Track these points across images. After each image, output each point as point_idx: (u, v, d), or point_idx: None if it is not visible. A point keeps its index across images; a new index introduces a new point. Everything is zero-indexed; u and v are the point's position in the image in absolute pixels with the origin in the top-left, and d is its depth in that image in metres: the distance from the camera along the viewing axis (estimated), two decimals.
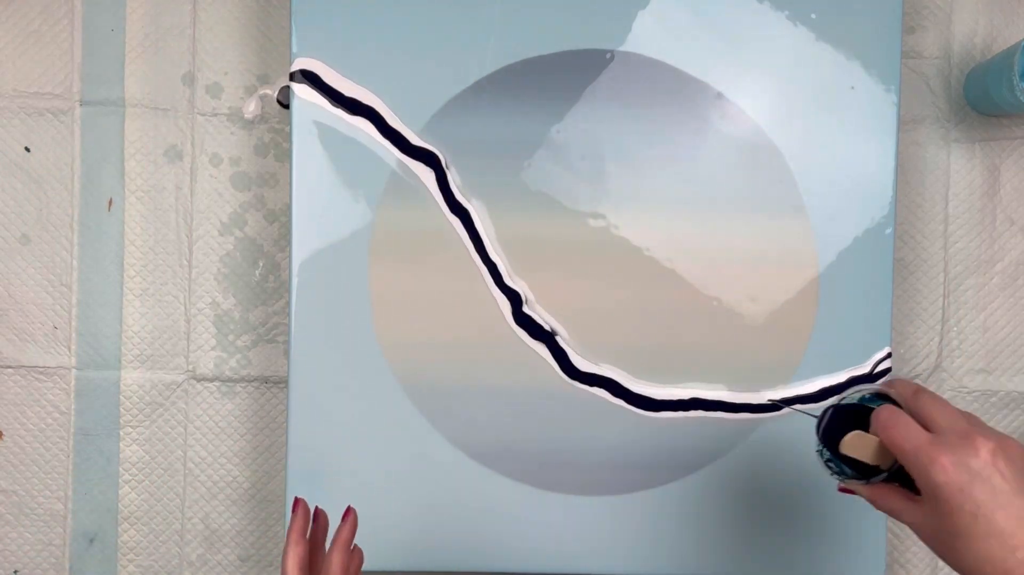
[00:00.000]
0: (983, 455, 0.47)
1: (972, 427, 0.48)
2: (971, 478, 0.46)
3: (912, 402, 0.50)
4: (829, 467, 0.52)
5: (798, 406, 0.64)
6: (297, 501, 0.57)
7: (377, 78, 0.66)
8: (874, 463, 0.51)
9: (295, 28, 0.66)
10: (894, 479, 0.51)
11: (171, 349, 0.72)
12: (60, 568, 0.72)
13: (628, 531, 0.67)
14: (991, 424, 0.72)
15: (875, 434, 0.49)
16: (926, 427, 0.48)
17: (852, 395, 0.53)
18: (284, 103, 0.72)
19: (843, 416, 0.51)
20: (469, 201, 0.66)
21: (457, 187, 0.66)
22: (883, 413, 0.49)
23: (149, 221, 0.72)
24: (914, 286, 0.72)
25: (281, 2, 0.72)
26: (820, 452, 0.52)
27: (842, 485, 0.53)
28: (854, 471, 0.51)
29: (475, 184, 0.66)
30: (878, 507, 0.51)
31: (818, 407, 0.59)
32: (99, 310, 0.72)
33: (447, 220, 0.66)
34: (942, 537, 0.48)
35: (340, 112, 0.66)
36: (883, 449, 0.50)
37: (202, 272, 0.72)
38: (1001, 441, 0.47)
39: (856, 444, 0.51)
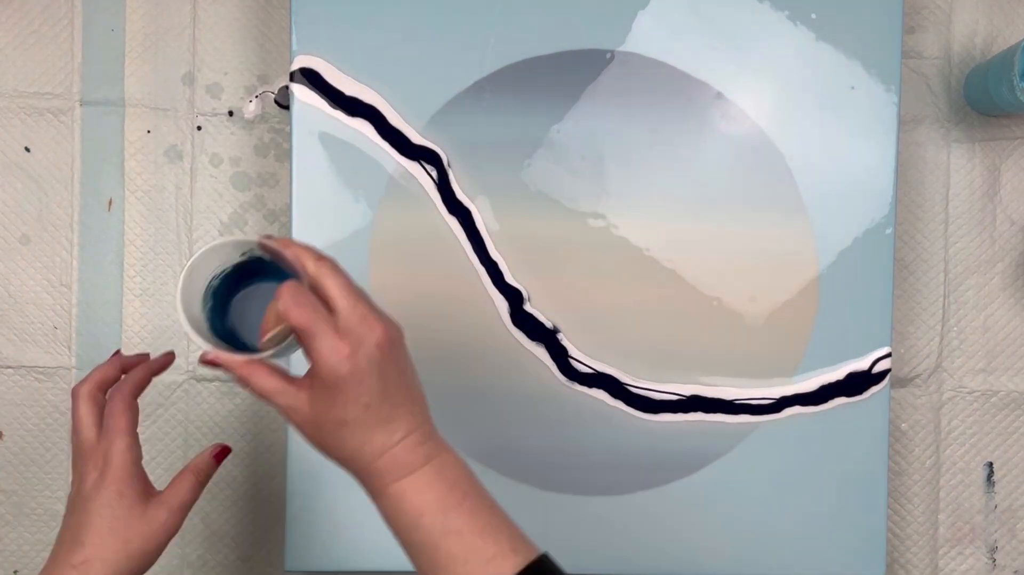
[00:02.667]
0: (383, 346, 0.45)
1: (371, 312, 0.45)
2: (369, 369, 0.44)
3: (314, 274, 0.46)
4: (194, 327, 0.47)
5: None
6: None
7: (377, 78, 0.66)
8: (273, 334, 0.47)
9: (295, 26, 0.66)
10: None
11: (171, 349, 0.72)
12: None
13: (628, 531, 0.67)
14: (992, 427, 0.73)
15: (278, 308, 0.44)
16: (326, 305, 0.45)
17: (241, 248, 0.48)
18: (282, 104, 0.71)
19: (235, 274, 0.47)
20: (469, 201, 0.66)
21: (457, 187, 0.66)
22: (286, 289, 0.44)
23: (149, 221, 0.72)
24: (914, 286, 0.72)
25: (281, 2, 0.72)
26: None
27: (209, 356, 0.46)
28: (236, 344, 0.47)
29: (475, 184, 0.66)
30: (247, 386, 0.46)
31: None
32: (99, 310, 0.72)
33: (447, 220, 0.66)
34: (327, 425, 0.46)
35: (339, 114, 0.66)
36: (276, 320, 0.46)
37: None
38: (394, 329, 0.46)
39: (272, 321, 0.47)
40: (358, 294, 0.46)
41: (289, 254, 0.46)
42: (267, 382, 0.46)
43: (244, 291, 0.50)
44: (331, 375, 0.44)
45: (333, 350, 0.44)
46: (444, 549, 0.46)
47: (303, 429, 0.47)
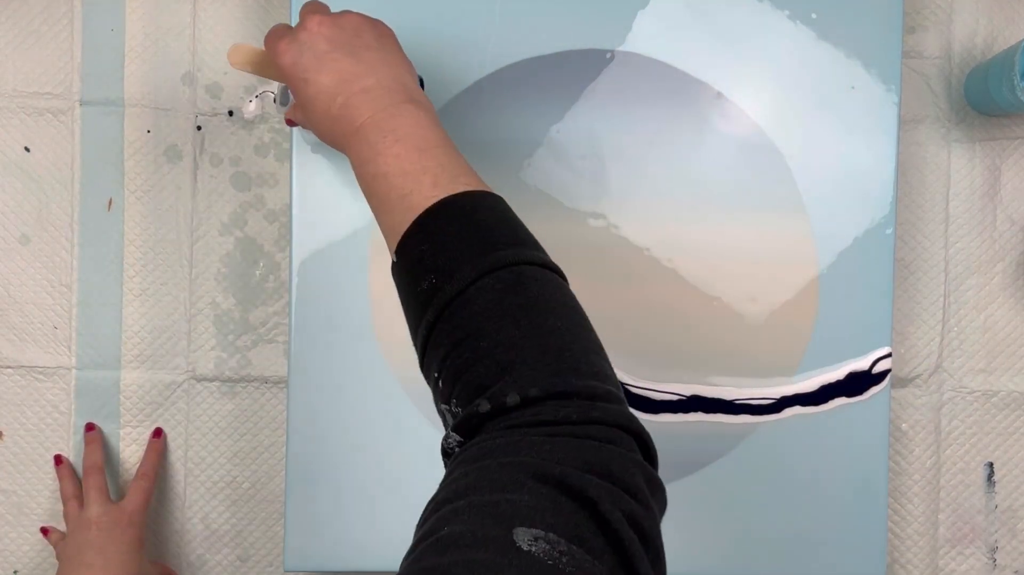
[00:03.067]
0: (310, 27, 0.51)
1: (315, 9, 0.53)
2: (300, 50, 0.51)
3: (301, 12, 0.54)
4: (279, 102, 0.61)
5: None
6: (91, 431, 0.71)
7: None
8: (272, 77, 0.58)
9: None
10: None
11: (171, 349, 0.72)
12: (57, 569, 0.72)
13: None
14: (992, 427, 0.73)
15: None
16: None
17: None
18: (281, 104, 0.71)
19: None
20: None
21: None
22: (270, 33, 0.54)
23: (149, 221, 0.72)
24: (914, 286, 0.72)
25: (281, 2, 0.71)
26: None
27: (288, 115, 0.59)
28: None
29: None
30: (296, 122, 0.59)
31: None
32: (99, 310, 0.71)
33: None
34: (303, 114, 0.53)
35: None
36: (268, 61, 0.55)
37: (202, 272, 0.72)
38: (336, 15, 0.52)
39: (239, 53, 0.57)
40: (325, 14, 0.53)
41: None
42: (296, 113, 0.57)
43: None
44: (281, 74, 0.53)
45: (274, 50, 0.52)
46: (374, 193, 0.49)
47: (313, 131, 0.54)
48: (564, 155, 0.67)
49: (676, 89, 0.67)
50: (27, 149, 0.71)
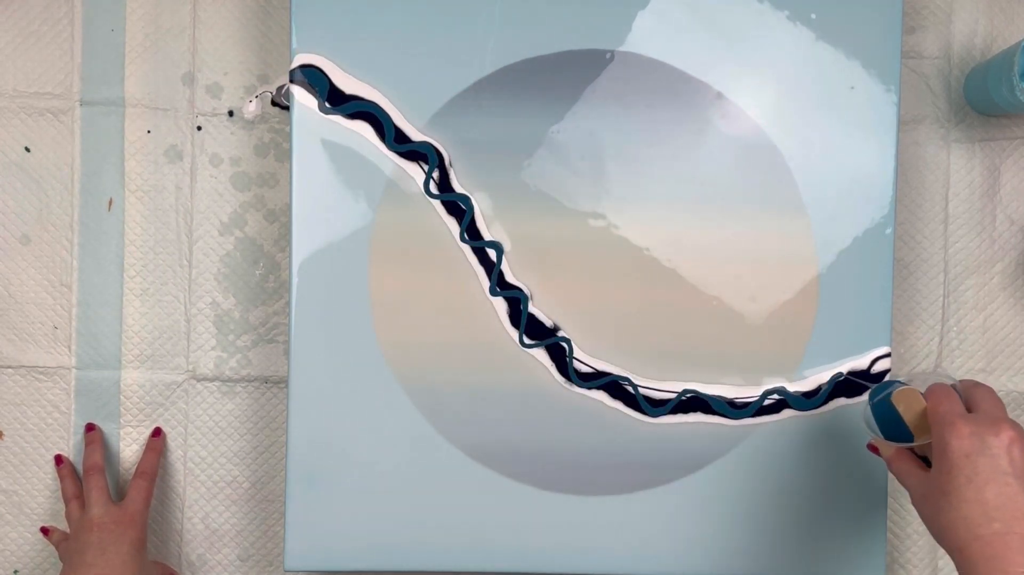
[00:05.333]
0: (1002, 437, 0.50)
1: (1005, 417, 0.51)
2: (981, 450, 0.49)
3: (967, 388, 0.54)
4: (868, 425, 0.58)
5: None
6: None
7: (376, 78, 0.66)
8: (911, 426, 0.55)
9: (295, 26, 0.66)
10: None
11: (171, 349, 0.72)
12: (60, 568, 0.72)
13: (628, 531, 0.67)
14: None
15: (926, 401, 0.54)
16: (970, 410, 0.52)
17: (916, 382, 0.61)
18: (279, 104, 0.71)
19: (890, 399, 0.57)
20: (469, 200, 0.66)
21: (458, 186, 0.66)
22: (937, 387, 0.54)
23: (149, 221, 0.72)
24: (914, 286, 0.72)
25: (281, 2, 0.72)
26: (871, 406, 0.58)
27: (871, 441, 0.59)
28: (889, 435, 0.57)
29: (475, 184, 0.66)
30: (891, 467, 0.56)
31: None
32: (99, 310, 0.72)
33: (446, 221, 0.66)
34: (932, 495, 0.51)
35: (339, 115, 0.66)
36: (923, 419, 0.54)
37: (202, 272, 0.72)
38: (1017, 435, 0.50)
39: (905, 399, 0.56)
40: (1002, 406, 0.53)
41: (957, 384, 0.56)
42: (907, 466, 0.55)
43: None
44: (943, 448, 0.51)
45: (951, 427, 0.51)
46: None
47: (916, 503, 0.53)
48: (564, 155, 0.67)
49: (676, 89, 0.67)
50: (27, 149, 0.71)
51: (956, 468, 0.50)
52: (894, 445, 0.57)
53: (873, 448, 0.59)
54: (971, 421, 0.51)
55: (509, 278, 0.67)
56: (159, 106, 0.71)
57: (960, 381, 0.56)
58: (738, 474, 0.67)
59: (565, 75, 0.66)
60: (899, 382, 0.58)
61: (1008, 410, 0.72)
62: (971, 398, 0.54)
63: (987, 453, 0.49)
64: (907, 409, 0.56)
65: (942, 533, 0.50)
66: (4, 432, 0.72)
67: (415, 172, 0.66)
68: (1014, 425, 0.51)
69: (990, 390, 0.54)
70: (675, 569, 0.67)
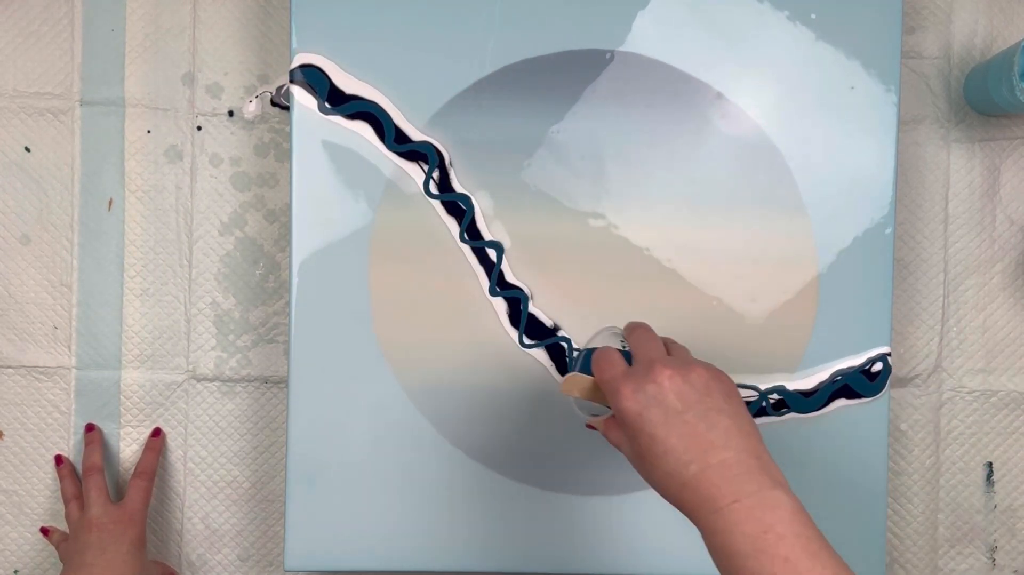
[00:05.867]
0: (659, 381, 0.49)
1: (660, 358, 0.50)
2: (647, 402, 0.48)
3: (628, 338, 0.54)
4: (578, 406, 0.58)
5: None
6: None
7: (376, 78, 0.66)
8: (598, 401, 0.55)
9: (295, 26, 0.66)
10: None
11: (171, 349, 0.72)
12: (60, 568, 0.72)
13: (628, 531, 0.67)
14: (992, 427, 0.73)
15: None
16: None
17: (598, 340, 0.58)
18: (278, 104, 0.71)
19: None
20: (469, 200, 0.67)
21: (458, 186, 0.66)
22: (599, 354, 0.52)
23: (149, 221, 0.72)
24: (914, 286, 0.72)
25: (281, 2, 0.72)
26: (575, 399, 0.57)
27: (589, 422, 0.57)
28: (593, 411, 0.56)
29: (475, 184, 0.66)
30: (609, 441, 0.54)
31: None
32: (99, 310, 0.72)
33: (446, 221, 0.66)
34: (636, 460, 0.51)
35: (339, 115, 0.66)
36: (599, 390, 0.53)
37: (202, 272, 0.72)
38: (684, 367, 0.49)
39: (575, 385, 0.55)
40: (661, 346, 0.52)
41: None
42: (616, 435, 0.53)
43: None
44: (620, 415, 0.50)
45: (616, 392, 0.50)
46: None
47: (635, 468, 0.51)
48: (564, 155, 0.67)
49: (676, 89, 0.67)
50: (27, 149, 0.71)
51: (636, 429, 0.49)
52: (600, 419, 0.55)
53: (591, 426, 0.57)
54: (630, 377, 0.50)
55: (509, 278, 0.67)
56: (159, 106, 0.71)
57: (624, 327, 0.55)
58: None
59: (565, 75, 0.66)
60: (580, 351, 0.56)
61: (1008, 410, 0.73)
62: (632, 347, 0.53)
63: (653, 402, 0.48)
64: (582, 390, 0.54)
65: (665, 496, 0.49)
66: (4, 432, 0.72)
67: (415, 172, 0.66)
68: (667, 360, 0.50)
69: (643, 329, 0.54)
70: (675, 569, 0.67)
